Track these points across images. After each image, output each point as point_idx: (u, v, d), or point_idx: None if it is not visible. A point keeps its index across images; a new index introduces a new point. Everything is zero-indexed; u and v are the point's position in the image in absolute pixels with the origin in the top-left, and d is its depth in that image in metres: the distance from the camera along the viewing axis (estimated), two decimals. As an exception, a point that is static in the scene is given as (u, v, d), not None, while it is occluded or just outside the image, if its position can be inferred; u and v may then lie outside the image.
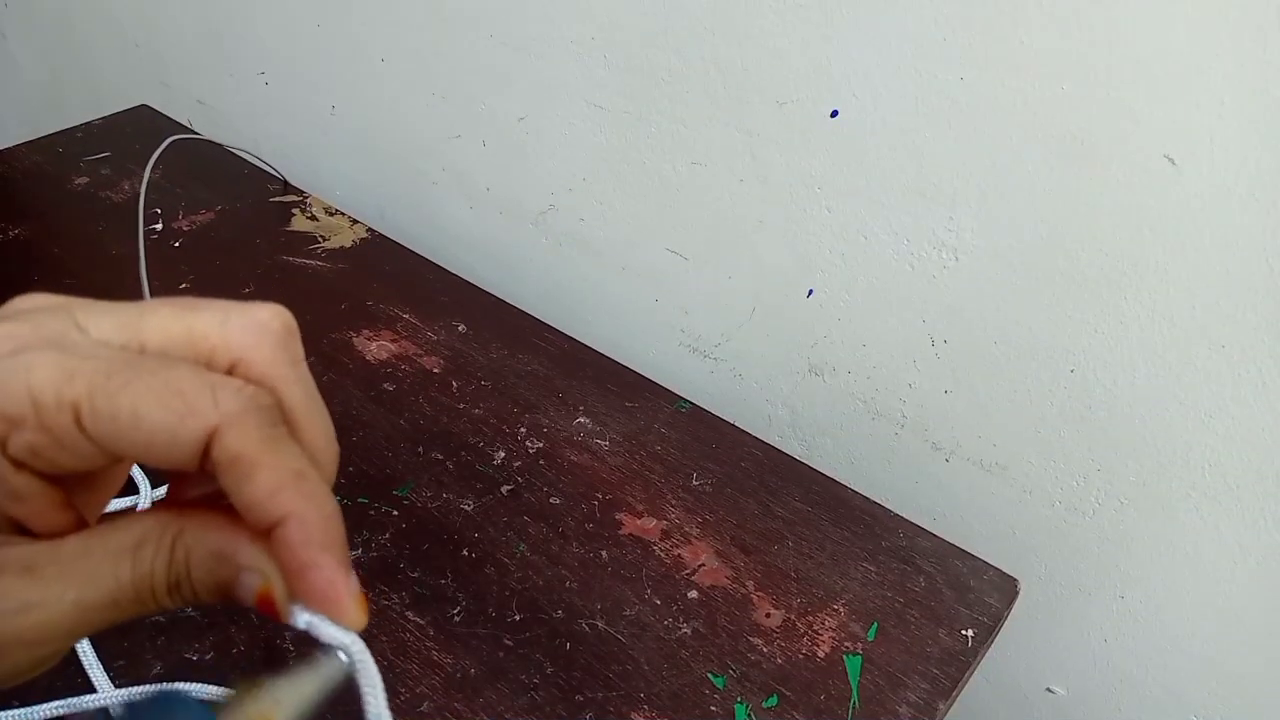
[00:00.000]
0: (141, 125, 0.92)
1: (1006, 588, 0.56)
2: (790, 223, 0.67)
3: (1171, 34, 0.48)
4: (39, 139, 0.88)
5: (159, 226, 0.79)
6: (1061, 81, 0.52)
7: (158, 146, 0.88)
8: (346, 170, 0.96)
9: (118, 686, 0.46)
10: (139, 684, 0.46)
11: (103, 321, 0.24)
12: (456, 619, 0.51)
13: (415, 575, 0.54)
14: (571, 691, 0.48)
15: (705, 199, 0.71)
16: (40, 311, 0.24)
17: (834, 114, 0.61)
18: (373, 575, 0.53)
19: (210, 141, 0.91)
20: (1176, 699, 0.66)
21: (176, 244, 0.77)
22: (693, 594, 0.54)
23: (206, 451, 0.23)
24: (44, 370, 0.22)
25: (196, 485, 0.26)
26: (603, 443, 0.63)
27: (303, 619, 0.24)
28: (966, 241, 0.60)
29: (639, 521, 0.58)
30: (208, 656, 0.48)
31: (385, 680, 0.54)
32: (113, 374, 0.23)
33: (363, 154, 0.93)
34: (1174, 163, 0.51)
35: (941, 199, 0.59)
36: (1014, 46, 0.53)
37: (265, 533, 0.23)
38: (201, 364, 0.24)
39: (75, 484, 0.25)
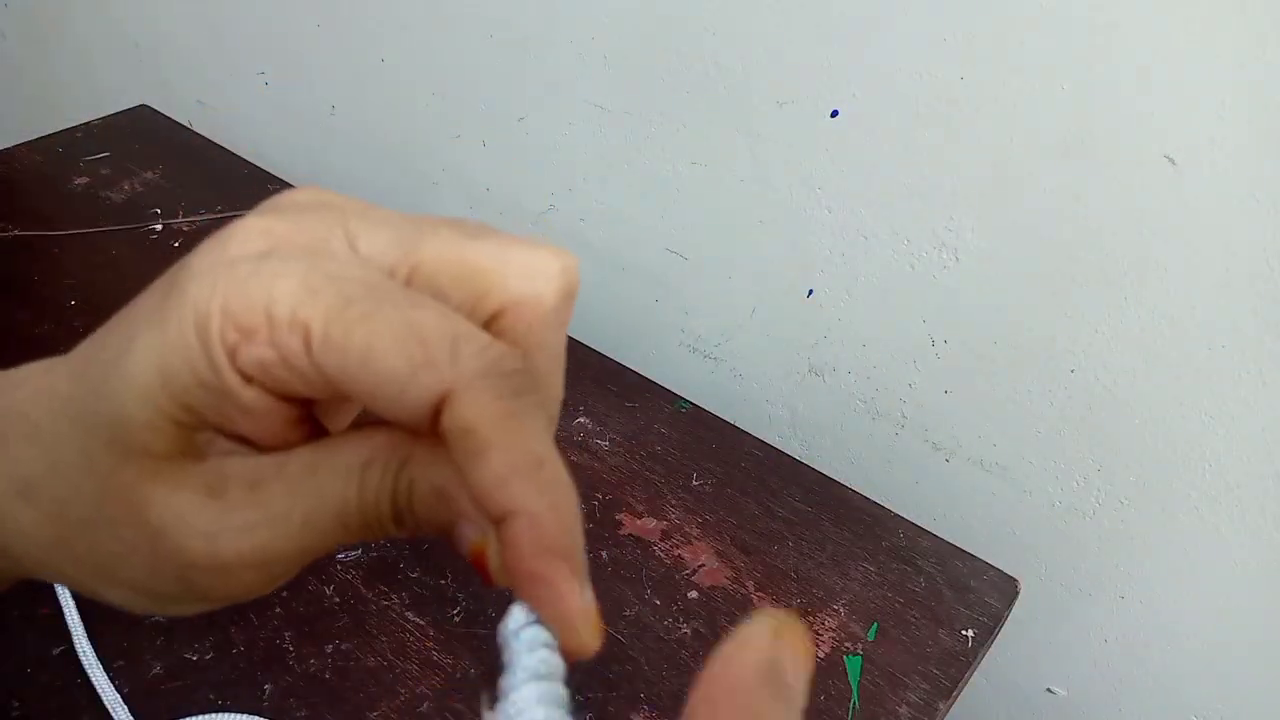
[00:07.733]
0: (141, 125, 0.92)
1: (1007, 588, 0.56)
2: (790, 222, 0.67)
3: (1171, 34, 0.48)
4: (39, 139, 0.88)
5: (159, 227, 0.79)
6: (1061, 81, 0.52)
7: (157, 145, 0.88)
8: (346, 170, 0.96)
9: (117, 687, 0.46)
10: (138, 684, 0.46)
11: (377, 235, 0.21)
12: (456, 619, 0.51)
13: (415, 575, 0.53)
14: (572, 692, 0.48)
15: (705, 199, 0.71)
16: (311, 210, 0.22)
17: (834, 114, 0.61)
18: (372, 575, 0.53)
19: (210, 141, 0.91)
20: (1176, 699, 0.66)
21: (176, 244, 0.77)
22: (693, 594, 0.54)
23: (438, 414, 0.20)
24: (286, 283, 0.20)
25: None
26: (602, 443, 0.63)
27: (519, 619, 0.20)
28: (967, 241, 0.60)
29: (639, 522, 0.58)
30: (208, 656, 0.48)
31: (384, 681, 0.53)
32: (354, 302, 0.19)
33: (363, 154, 0.93)
34: (1174, 162, 0.51)
35: (942, 199, 0.59)
36: (1014, 46, 0.53)
37: (495, 522, 0.19)
38: (470, 302, 0.22)
39: (317, 402, 0.22)
